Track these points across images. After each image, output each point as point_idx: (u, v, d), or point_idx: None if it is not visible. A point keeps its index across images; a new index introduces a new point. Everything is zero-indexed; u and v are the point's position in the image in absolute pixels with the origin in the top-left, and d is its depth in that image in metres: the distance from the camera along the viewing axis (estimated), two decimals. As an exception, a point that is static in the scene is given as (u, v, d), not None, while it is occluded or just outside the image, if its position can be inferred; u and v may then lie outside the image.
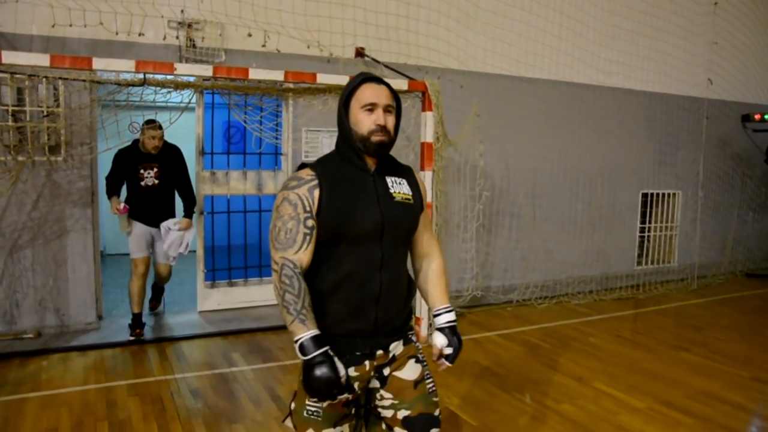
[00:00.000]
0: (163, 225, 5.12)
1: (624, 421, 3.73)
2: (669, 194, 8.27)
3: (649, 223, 8.15)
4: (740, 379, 4.55)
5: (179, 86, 4.78)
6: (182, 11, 5.20)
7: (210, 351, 4.88)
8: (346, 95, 1.86)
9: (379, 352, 1.89)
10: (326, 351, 1.69)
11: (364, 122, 1.81)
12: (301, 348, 1.69)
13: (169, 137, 5.27)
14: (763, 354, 5.14)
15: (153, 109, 5.21)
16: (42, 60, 3.84)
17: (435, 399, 1.96)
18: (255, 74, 4.37)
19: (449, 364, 1.98)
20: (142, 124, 4.95)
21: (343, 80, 4.52)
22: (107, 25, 4.85)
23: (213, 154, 5.86)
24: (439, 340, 1.97)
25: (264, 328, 5.47)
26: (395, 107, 1.88)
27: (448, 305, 2.03)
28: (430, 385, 1.97)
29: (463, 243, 6.40)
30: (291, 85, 5.06)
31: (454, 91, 6.13)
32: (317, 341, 1.69)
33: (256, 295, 6.09)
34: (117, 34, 4.93)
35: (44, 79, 4.56)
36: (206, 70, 4.28)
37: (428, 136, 4.90)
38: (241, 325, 5.49)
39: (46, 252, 5.05)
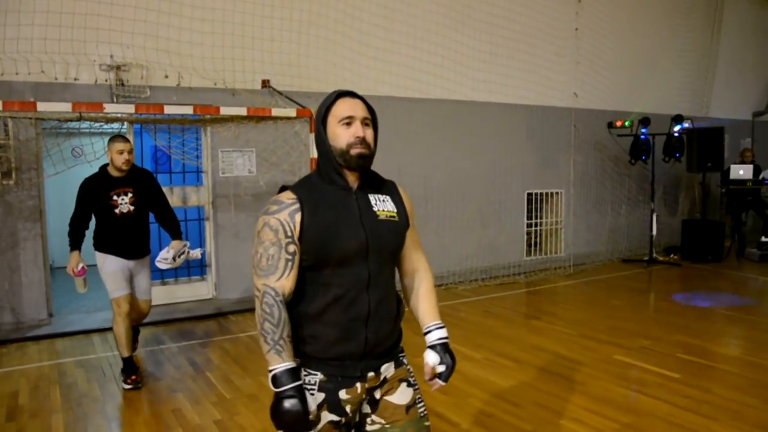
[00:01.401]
0: (159, 263, 4.91)
1: (462, 368, 5.04)
2: (553, 193, 9.75)
3: (536, 218, 9.60)
4: (568, 336, 5.93)
5: (110, 120, 5.98)
6: (111, 56, 6.39)
7: (144, 335, 6.06)
8: (323, 112, 1.88)
9: (371, 374, 1.89)
10: (299, 386, 1.75)
11: (342, 136, 1.83)
12: (274, 379, 1.74)
13: (104, 160, 6.44)
14: (598, 319, 6.55)
15: (90, 135, 6.40)
16: (-4, 106, 5.02)
17: (426, 424, 1.98)
18: (169, 109, 5.62)
19: (442, 383, 1.97)
20: (108, 142, 4.60)
21: (242, 111, 5.79)
22: (47, 71, 6.02)
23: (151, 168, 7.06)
24: (432, 358, 1.96)
25: (190, 317, 6.68)
26: (372, 120, 1.90)
27: (439, 322, 2.03)
28: (422, 409, 1.98)
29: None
30: (207, 116, 6.28)
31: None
32: (291, 374, 1.74)
33: (184, 292, 7.29)
34: (56, 78, 6.10)
35: (-3, 119, 5.72)
36: (129, 108, 5.53)
37: (314, 153, 6.21)
38: (172, 316, 6.69)
39: (2, 260, 6.16)
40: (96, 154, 6.27)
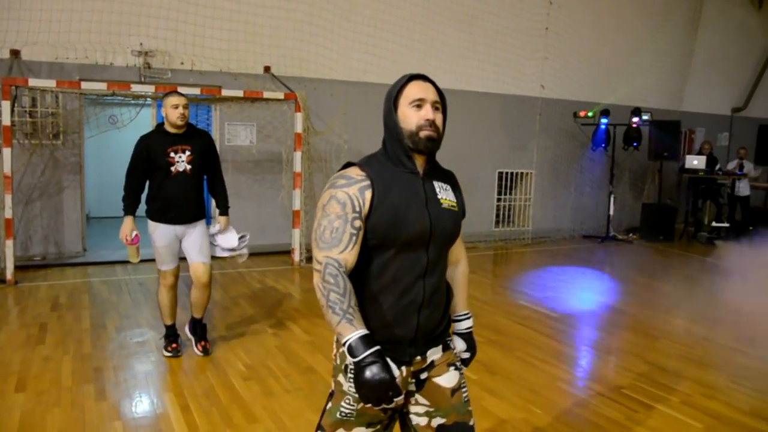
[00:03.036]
0: (211, 239, 4.82)
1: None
2: (524, 173, 11.16)
3: (507, 195, 11.03)
4: (489, 284, 7.45)
5: (137, 97, 7.66)
6: (141, 44, 8.03)
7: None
8: (394, 94, 1.88)
9: (417, 358, 1.91)
10: (378, 350, 1.66)
11: (412, 118, 1.85)
12: (350, 349, 1.66)
13: (134, 127, 8.11)
14: (521, 273, 8.04)
15: (124, 106, 8.09)
16: (51, 84, 6.74)
17: (469, 408, 1.99)
18: (181, 89, 7.22)
19: (464, 368, 2.08)
20: (163, 98, 4.55)
21: (239, 92, 7.41)
22: (90, 56, 7.70)
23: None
24: (459, 345, 2.10)
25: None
26: (442, 104, 1.91)
27: (468, 312, 2.16)
28: (465, 393, 2.00)
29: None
30: (212, 96, 7.89)
31: (324, 96, 8.96)
32: (367, 341, 1.66)
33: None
34: (97, 62, 7.78)
35: (51, 92, 7.43)
36: (151, 88, 7.17)
37: (298, 129, 7.82)
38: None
39: (50, 204, 7.92)
40: (126, 121, 7.99)
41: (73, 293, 6.50)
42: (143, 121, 8.73)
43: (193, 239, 4.59)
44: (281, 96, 7.74)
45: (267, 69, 8.68)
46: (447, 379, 1.96)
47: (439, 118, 1.89)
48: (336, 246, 1.76)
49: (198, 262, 4.60)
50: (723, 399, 4.19)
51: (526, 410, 3.92)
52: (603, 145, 10.82)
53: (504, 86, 10.52)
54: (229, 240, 4.86)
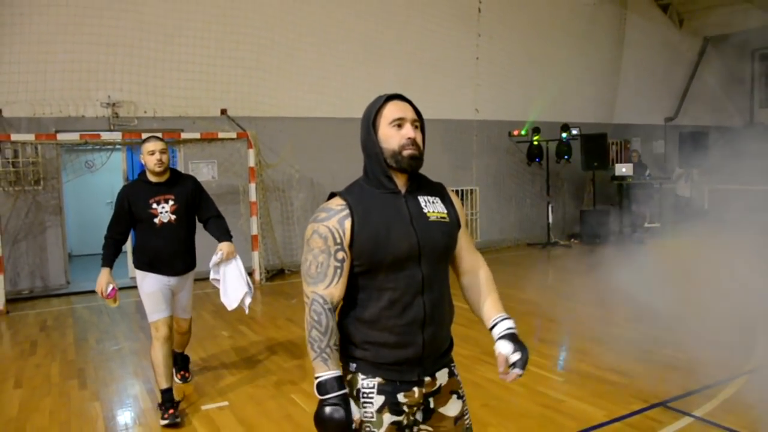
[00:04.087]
0: (212, 266, 4.54)
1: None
2: (468, 190, 12.34)
3: (454, 210, 12.17)
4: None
5: (106, 143, 8.77)
6: (108, 96, 9.15)
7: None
8: (372, 115, 1.94)
9: (427, 378, 1.94)
10: (343, 395, 1.78)
11: (393, 137, 1.89)
12: (319, 387, 1.78)
13: (107, 169, 9.21)
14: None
15: (98, 151, 9.18)
16: (30, 137, 7.85)
17: None
18: (144, 135, 8.35)
19: (520, 371, 1.92)
20: (141, 143, 4.33)
21: (196, 135, 8.54)
22: (63, 110, 8.81)
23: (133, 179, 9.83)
24: (505, 348, 1.94)
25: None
26: (420, 122, 1.96)
27: (504, 314, 2.03)
28: (468, 422, 2.04)
29: (291, 227, 10.36)
30: (173, 139, 9.00)
31: (275, 132, 10.11)
32: (337, 383, 1.78)
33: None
34: (70, 114, 8.89)
35: (30, 144, 8.52)
36: (118, 136, 8.29)
37: (251, 163, 8.95)
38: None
39: (34, 243, 8.95)
40: (99, 165, 9.08)
41: (59, 317, 7.53)
42: (115, 165, 9.85)
43: (182, 296, 4.51)
44: (234, 135, 8.88)
45: (223, 111, 9.82)
46: (451, 409, 1.99)
47: (419, 137, 1.93)
48: (322, 281, 1.83)
49: (181, 318, 4.59)
50: (591, 361, 5.28)
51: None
52: (538, 159, 12.03)
53: (442, 112, 11.72)
54: (239, 285, 4.53)
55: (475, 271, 2.11)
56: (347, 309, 1.94)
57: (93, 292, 8.84)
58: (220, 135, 8.81)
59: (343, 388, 1.80)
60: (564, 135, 11.87)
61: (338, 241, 1.84)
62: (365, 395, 1.89)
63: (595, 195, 12.84)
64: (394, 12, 11.13)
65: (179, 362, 4.84)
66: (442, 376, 1.99)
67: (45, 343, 6.37)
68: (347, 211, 1.87)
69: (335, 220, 1.86)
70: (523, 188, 12.89)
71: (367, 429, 1.89)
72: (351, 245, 1.86)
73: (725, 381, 4.58)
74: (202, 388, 4.88)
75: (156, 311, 4.25)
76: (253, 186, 9.06)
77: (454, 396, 2.02)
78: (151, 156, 4.20)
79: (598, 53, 13.85)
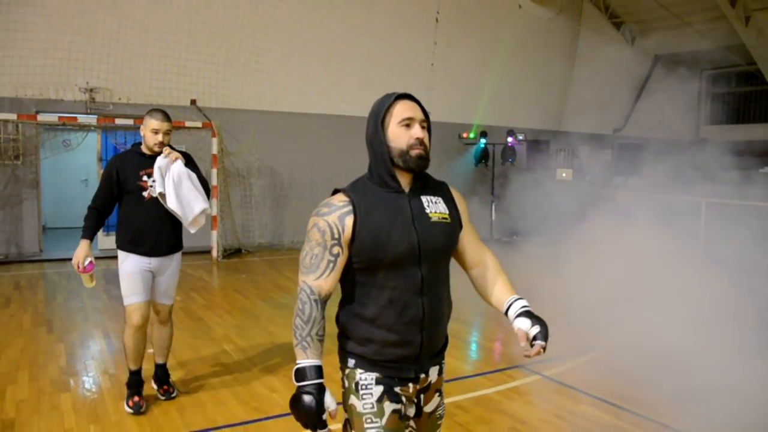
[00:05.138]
0: (156, 177, 3.96)
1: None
2: (420, 186, 13.39)
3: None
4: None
5: (83, 126, 9.70)
6: (87, 82, 10.06)
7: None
8: (382, 113, 1.96)
9: (422, 375, 2.01)
10: (319, 384, 1.84)
11: (402, 137, 1.93)
12: (296, 373, 1.85)
13: (83, 149, 10.10)
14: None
15: (75, 131, 10.10)
16: (12, 116, 8.76)
17: (439, 422, 2.15)
18: (118, 120, 9.31)
19: (543, 343, 1.94)
20: (145, 116, 4.09)
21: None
22: (44, 92, 9.72)
23: (107, 160, 10.74)
24: (524, 324, 1.97)
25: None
26: (428, 123, 1.99)
27: (516, 294, 2.07)
28: (441, 411, 2.15)
29: (250, 211, 11.35)
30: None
31: (239, 123, 11.09)
32: (314, 371, 1.84)
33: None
34: (50, 97, 9.80)
35: (12, 123, 9.43)
36: (93, 120, 9.22)
37: (213, 150, 9.94)
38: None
39: (11, 213, 9.85)
40: (75, 145, 9.99)
41: (31, 279, 8.49)
42: (91, 145, 10.78)
43: (165, 279, 4.17)
44: (200, 125, 9.85)
45: (193, 102, 10.77)
46: (431, 406, 2.09)
47: (426, 137, 1.97)
48: (313, 272, 1.89)
49: (160, 303, 4.24)
50: (475, 332, 6.34)
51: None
52: (485, 161, 13.12)
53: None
54: (188, 199, 4.03)
55: (481, 262, 2.15)
56: (348, 305, 1.98)
57: (64, 260, 9.81)
58: (188, 124, 9.79)
59: (320, 378, 1.85)
60: (510, 139, 12.96)
61: (335, 236, 1.89)
62: (364, 387, 1.95)
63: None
64: (357, 17, 12.16)
65: (160, 375, 4.35)
66: (433, 373, 2.06)
67: (18, 299, 7.33)
68: (350, 208, 1.91)
69: (336, 216, 1.90)
70: (473, 187, 13.98)
71: (369, 420, 1.94)
72: (351, 242, 1.90)
73: (578, 354, 5.65)
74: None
75: (131, 294, 3.99)
76: (214, 171, 10.05)
77: (437, 394, 2.11)
78: (154, 135, 4.01)
79: (550, 64, 14.97)
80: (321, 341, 1.91)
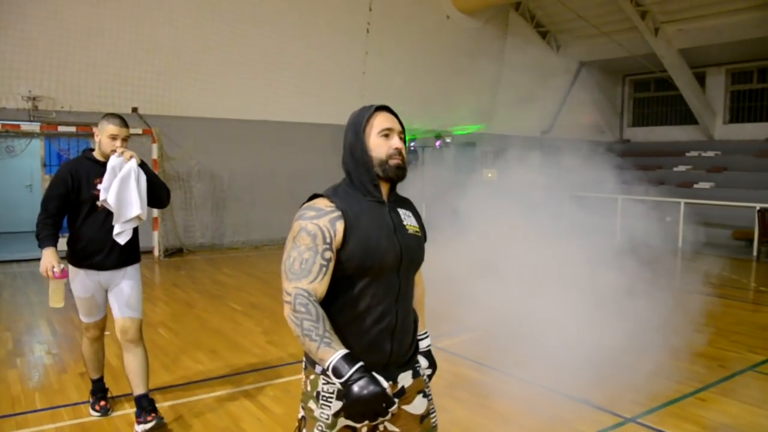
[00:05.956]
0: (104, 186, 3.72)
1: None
2: (356, 187, 14.23)
3: (342, 204, 14.06)
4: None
5: (26, 134, 10.23)
6: (30, 91, 10.57)
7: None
8: (364, 123, 2.00)
9: (389, 383, 1.98)
10: (362, 366, 1.74)
11: (381, 147, 1.98)
12: (335, 371, 1.73)
13: (25, 156, 10.59)
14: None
15: (17, 138, 10.62)
16: (-43, 125, 9.27)
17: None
18: (61, 128, 9.88)
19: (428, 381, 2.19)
20: (101, 120, 3.87)
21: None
22: (-13, 101, 10.23)
23: (51, 166, 11.27)
24: (422, 363, 2.18)
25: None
26: (404, 134, 2.04)
27: (426, 331, 2.28)
28: (434, 420, 2.13)
29: (191, 212, 12.00)
30: (85, 132, 10.48)
31: (178, 129, 11.75)
32: (349, 359, 1.74)
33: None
34: (-7, 106, 10.31)
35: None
36: (36, 127, 9.78)
37: (154, 155, 10.59)
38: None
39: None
40: (21, 151, 10.49)
41: (-21, 279, 9.03)
42: (34, 151, 11.30)
43: (121, 289, 3.90)
44: (140, 131, 10.48)
45: (134, 109, 11.37)
46: (416, 407, 2.06)
47: (404, 147, 2.02)
48: (305, 277, 1.83)
49: (124, 318, 3.89)
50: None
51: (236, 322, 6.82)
52: (414, 162, 14.03)
53: (333, 117, 13.53)
54: (129, 201, 3.76)
55: (416, 285, 2.24)
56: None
57: (9, 261, 10.32)
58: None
59: (358, 361, 1.76)
60: (438, 142, 13.91)
61: (327, 240, 1.87)
62: (324, 398, 1.96)
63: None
64: (291, 29, 12.93)
65: (145, 405, 3.90)
66: (404, 378, 2.05)
67: (-34, 296, 7.89)
68: (339, 213, 1.90)
69: (326, 220, 1.88)
70: (404, 191, 14.83)
71: (320, 428, 1.97)
72: (341, 248, 1.89)
73: (466, 329, 6.49)
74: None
75: (87, 315, 3.96)
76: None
77: (420, 395, 2.09)
78: (112, 141, 3.80)
79: (480, 71, 15.95)
80: (334, 332, 1.83)
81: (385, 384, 1.84)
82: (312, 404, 1.99)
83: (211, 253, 11.84)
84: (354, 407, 1.72)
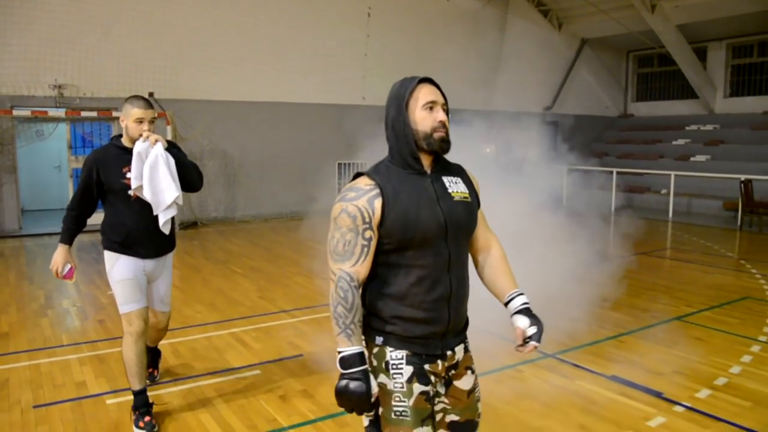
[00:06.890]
0: (134, 171, 3.58)
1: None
2: (359, 163, 15.11)
3: (345, 180, 14.93)
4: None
5: (53, 119, 11.32)
6: (56, 79, 11.65)
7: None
8: (407, 96, 2.03)
9: (449, 352, 2.07)
10: (365, 369, 1.91)
11: (426, 120, 1.99)
12: (342, 361, 1.90)
13: (53, 138, 11.69)
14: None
15: (47, 122, 11.75)
16: (-9, 112, 10.39)
17: (479, 405, 2.19)
18: (84, 113, 10.95)
19: (537, 344, 2.09)
20: (124, 103, 3.74)
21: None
22: (18, 89, 11.31)
23: (76, 147, 12.39)
24: (522, 322, 2.10)
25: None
26: (447, 106, 2.05)
27: (519, 289, 2.18)
28: (478, 394, 2.19)
29: (204, 188, 13.03)
30: (106, 116, 11.55)
31: (191, 112, 12.76)
32: (359, 358, 1.90)
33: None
34: (23, 93, 11.39)
35: (-9, 117, 11.05)
36: (62, 113, 10.86)
37: (168, 137, 11.62)
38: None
39: (-7, 195, 11.50)
40: (49, 135, 11.61)
41: (14, 249, 10.16)
42: (61, 134, 12.43)
43: (158, 285, 3.92)
44: (155, 114, 11.49)
45: (151, 94, 12.37)
46: (465, 383, 2.15)
47: (447, 120, 2.04)
48: (349, 259, 1.94)
49: (160, 311, 4.01)
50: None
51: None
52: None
53: (337, 98, 14.50)
54: (162, 186, 3.61)
55: (488, 248, 2.24)
56: (375, 285, 2.02)
57: (41, 234, 11.48)
58: (144, 114, 11.39)
59: (365, 364, 1.91)
60: (438, 120, 14.70)
61: (367, 220, 1.93)
62: (395, 366, 1.99)
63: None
64: (298, 14, 13.82)
65: (148, 357, 4.07)
66: (459, 351, 2.12)
67: (3, 263, 9.01)
68: (377, 191, 1.95)
69: (365, 200, 1.94)
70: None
71: (398, 399, 1.99)
72: (381, 224, 1.95)
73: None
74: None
75: (129, 301, 3.69)
76: (170, 155, 11.74)
77: (469, 371, 2.16)
78: (138, 124, 3.67)
79: (481, 50, 16.67)
80: (361, 327, 1.97)
81: (375, 391, 1.97)
82: (383, 378, 2.02)
83: (224, 225, 12.90)
84: (340, 396, 1.92)
